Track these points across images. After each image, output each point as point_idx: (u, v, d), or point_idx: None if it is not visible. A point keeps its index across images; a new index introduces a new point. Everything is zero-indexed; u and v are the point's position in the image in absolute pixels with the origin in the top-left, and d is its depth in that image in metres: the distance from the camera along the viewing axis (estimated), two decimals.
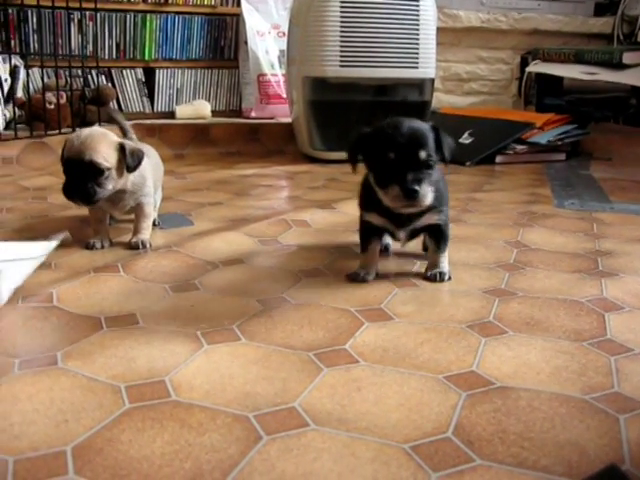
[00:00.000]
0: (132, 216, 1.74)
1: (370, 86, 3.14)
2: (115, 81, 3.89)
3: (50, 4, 3.46)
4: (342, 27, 2.98)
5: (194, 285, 1.40)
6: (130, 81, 3.93)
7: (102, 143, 1.56)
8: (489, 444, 0.83)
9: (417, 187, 1.25)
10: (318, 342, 1.12)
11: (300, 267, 1.53)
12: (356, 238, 1.50)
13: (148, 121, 3.62)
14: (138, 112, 3.88)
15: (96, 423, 0.86)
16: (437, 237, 1.46)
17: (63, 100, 3.39)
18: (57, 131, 3.22)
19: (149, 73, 3.96)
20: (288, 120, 3.53)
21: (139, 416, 0.88)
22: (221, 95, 4.09)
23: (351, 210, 2.09)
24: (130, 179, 1.65)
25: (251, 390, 0.95)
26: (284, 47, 3.72)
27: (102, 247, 1.67)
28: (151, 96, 3.97)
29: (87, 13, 3.75)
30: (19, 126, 3.40)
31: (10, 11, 3.70)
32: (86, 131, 1.61)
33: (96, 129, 1.66)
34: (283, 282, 1.43)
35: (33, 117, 3.34)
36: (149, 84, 3.96)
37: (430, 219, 1.41)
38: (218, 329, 1.16)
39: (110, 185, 1.58)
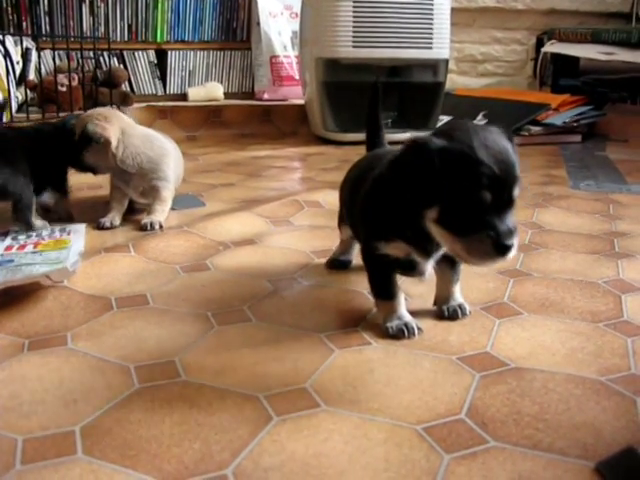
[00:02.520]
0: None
1: (383, 67, 3.11)
2: (127, 63, 3.87)
3: None
4: (355, 7, 2.95)
5: (205, 265, 1.39)
6: (142, 63, 3.91)
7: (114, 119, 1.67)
8: (503, 425, 0.81)
9: (514, 241, 0.92)
10: (330, 323, 1.11)
11: (312, 248, 1.51)
12: None
13: (160, 103, 3.61)
14: (150, 94, 3.87)
15: (105, 403, 0.85)
16: (454, 264, 1.12)
17: (75, 82, 3.38)
18: (69, 113, 3.22)
19: (161, 55, 3.94)
20: (301, 102, 3.51)
21: (148, 396, 0.87)
22: (233, 77, 4.06)
23: None
24: (137, 160, 1.68)
25: (261, 371, 0.94)
26: (297, 28, 3.68)
27: (112, 226, 1.67)
28: (163, 78, 3.95)
29: None
30: (31, 108, 3.40)
31: None
32: (98, 110, 1.70)
33: (107, 109, 1.70)
34: (295, 263, 1.41)
35: (45, 99, 3.33)
36: (161, 66, 3.94)
37: None
38: (228, 310, 1.15)
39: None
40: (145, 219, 1.67)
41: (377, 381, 0.92)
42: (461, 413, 0.84)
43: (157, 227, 1.64)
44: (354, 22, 2.95)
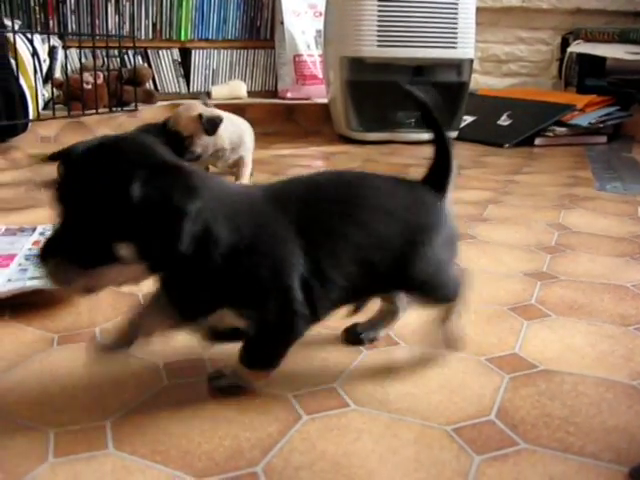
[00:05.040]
0: None
1: (407, 66, 3.10)
2: (151, 61, 3.90)
3: None
4: (380, 6, 2.95)
5: None
6: (166, 61, 3.93)
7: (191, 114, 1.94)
8: (533, 428, 0.81)
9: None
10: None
11: None
12: None
13: (184, 101, 3.62)
14: (174, 93, 3.89)
15: (135, 399, 0.86)
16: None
17: (100, 80, 3.40)
18: (94, 111, 3.24)
19: (185, 53, 3.96)
20: (324, 101, 3.51)
21: (177, 393, 0.88)
22: (257, 75, 4.07)
23: None
24: (232, 138, 2.03)
25: (290, 370, 0.94)
26: (320, 27, 3.69)
27: None
28: (187, 76, 3.97)
29: None
30: (57, 106, 3.43)
31: None
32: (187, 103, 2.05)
33: (192, 102, 2.07)
34: None
35: (70, 97, 3.36)
36: (185, 64, 3.97)
37: None
38: None
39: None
40: (240, 182, 2.02)
41: (405, 381, 0.92)
42: (491, 414, 0.84)
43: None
44: (379, 21, 2.95)
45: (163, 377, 0.92)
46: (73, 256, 0.71)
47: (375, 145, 3.00)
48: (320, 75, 3.81)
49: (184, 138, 1.93)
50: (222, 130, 1.99)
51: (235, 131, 2.07)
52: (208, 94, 3.83)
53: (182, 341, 1.02)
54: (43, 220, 1.65)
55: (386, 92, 3.09)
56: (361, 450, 0.76)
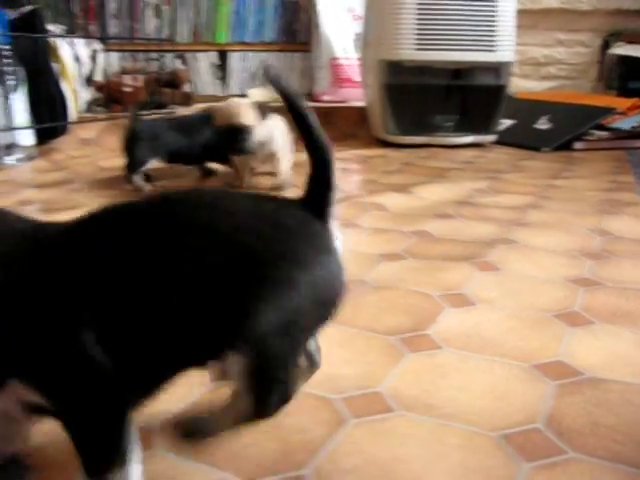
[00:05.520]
0: None
1: (446, 70, 3.09)
2: (189, 64, 3.94)
3: None
4: (419, 9, 2.94)
5: None
6: (204, 64, 3.97)
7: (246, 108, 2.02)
8: (580, 436, 0.81)
9: None
10: (400, 326, 1.11)
11: (378, 250, 1.52)
12: (436, 223, 1.47)
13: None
14: (211, 95, 3.92)
15: (182, 401, 0.87)
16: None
17: (139, 83, 3.45)
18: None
19: (222, 56, 4.00)
20: (361, 104, 3.51)
21: (223, 394, 0.89)
22: (293, 79, 4.09)
23: (428, 194, 2.07)
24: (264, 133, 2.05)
25: (336, 373, 0.95)
26: (358, 30, 3.70)
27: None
28: (224, 79, 4.00)
29: None
30: (97, 108, 3.49)
31: None
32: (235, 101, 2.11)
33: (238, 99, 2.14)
34: (362, 265, 1.42)
35: (110, 99, 3.42)
36: (222, 67, 4.00)
37: None
38: None
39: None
40: (279, 178, 2.12)
41: (450, 386, 0.92)
42: (537, 422, 0.83)
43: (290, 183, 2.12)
44: (418, 24, 2.94)
45: (206, 378, 0.93)
46: None
47: (412, 149, 2.99)
48: (357, 78, 3.82)
49: (248, 129, 2.01)
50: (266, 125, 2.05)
51: (270, 127, 2.09)
52: (244, 97, 3.85)
53: None
54: None
55: (424, 95, 3.10)
56: (407, 455, 0.76)
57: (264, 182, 2.24)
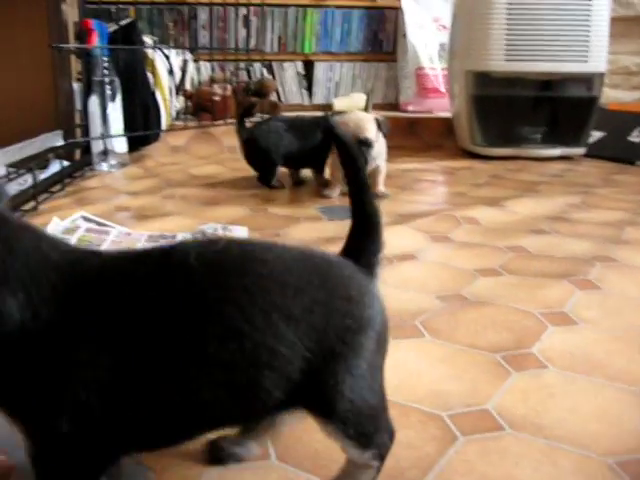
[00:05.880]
0: None
1: (535, 80, 3.04)
2: (276, 74, 3.99)
3: (218, 1, 3.63)
4: (509, 19, 2.90)
5: None
6: (290, 74, 4.02)
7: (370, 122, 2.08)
8: None
9: None
10: (503, 344, 1.10)
11: (473, 265, 1.50)
12: (531, 239, 1.44)
13: (307, 113, 3.69)
14: (297, 104, 3.97)
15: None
16: None
17: (228, 92, 3.52)
18: (222, 122, 3.35)
19: (308, 66, 4.04)
20: (446, 114, 3.49)
21: None
22: (378, 88, 4.10)
23: (520, 209, 2.04)
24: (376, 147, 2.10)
25: (441, 389, 0.95)
26: (444, 40, 3.68)
27: (333, 196, 2.19)
28: (310, 88, 4.04)
29: (252, 8, 3.88)
30: (187, 116, 3.57)
31: (182, 9, 3.88)
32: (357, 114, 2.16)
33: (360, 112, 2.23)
34: (459, 280, 1.41)
35: (200, 108, 3.50)
36: (308, 77, 4.04)
37: None
38: (400, 324, 1.17)
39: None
40: (378, 190, 2.18)
41: (559, 407, 0.91)
42: None
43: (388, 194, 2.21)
44: (507, 34, 2.90)
45: None
46: None
47: (500, 161, 2.95)
48: (442, 88, 3.80)
49: (371, 144, 2.05)
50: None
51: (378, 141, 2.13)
52: (330, 106, 3.89)
53: None
54: (181, 227, 1.73)
55: (512, 106, 3.05)
56: (521, 476, 0.76)
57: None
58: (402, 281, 1.40)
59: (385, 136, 2.14)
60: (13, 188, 2.03)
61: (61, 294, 0.57)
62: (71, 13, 2.74)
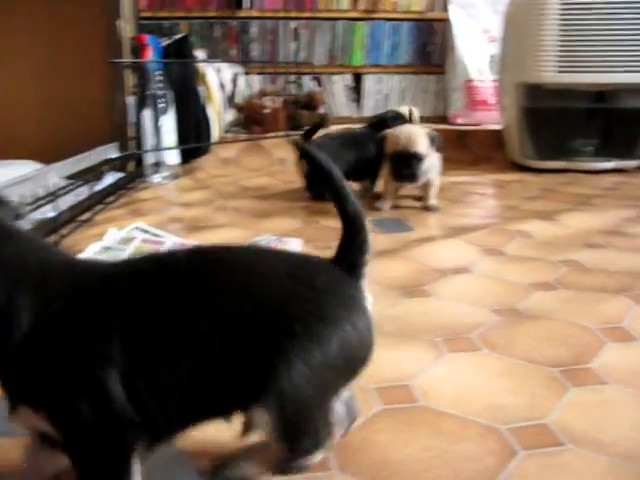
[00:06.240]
0: None
1: (588, 92, 3.00)
2: (325, 86, 4.02)
3: (268, 15, 3.68)
4: (562, 30, 2.87)
5: (425, 291, 1.41)
6: (339, 86, 4.04)
7: (422, 137, 2.07)
8: None
9: None
10: (560, 358, 1.09)
11: (527, 279, 1.49)
12: (585, 253, 1.41)
13: (356, 126, 3.70)
14: (346, 117, 3.98)
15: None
16: None
17: (278, 105, 3.56)
18: (272, 134, 3.39)
19: (357, 78, 4.06)
20: (496, 127, 3.47)
21: (391, 418, 0.90)
22: (427, 101, 4.09)
23: (574, 222, 2.02)
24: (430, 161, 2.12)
25: (498, 402, 0.94)
26: (493, 52, 3.67)
27: (384, 209, 2.19)
28: (358, 101, 4.06)
29: (301, 21, 3.92)
30: (237, 129, 3.62)
31: (232, 23, 3.94)
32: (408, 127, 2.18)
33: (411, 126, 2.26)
34: (514, 293, 1.40)
35: (250, 121, 3.54)
36: (357, 89, 4.06)
37: None
38: (456, 337, 1.16)
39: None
40: (429, 203, 2.19)
41: (620, 424, 0.89)
42: None
43: (439, 207, 2.19)
44: (561, 45, 2.87)
45: (375, 401, 0.94)
46: None
47: (551, 174, 2.92)
48: (492, 100, 3.77)
49: (421, 158, 2.07)
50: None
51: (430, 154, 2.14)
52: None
53: (389, 366, 1.05)
54: (235, 239, 1.75)
55: (564, 119, 3.02)
56: None
57: (411, 204, 2.29)
58: (456, 294, 1.39)
59: (437, 150, 2.13)
60: (70, 199, 2.08)
61: (71, 291, 0.65)
62: (126, 29, 2.81)
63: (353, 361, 0.71)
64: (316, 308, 0.67)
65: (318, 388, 0.68)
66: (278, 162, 3.23)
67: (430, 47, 4.10)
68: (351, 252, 0.75)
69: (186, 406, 0.67)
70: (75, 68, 2.79)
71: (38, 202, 1.87)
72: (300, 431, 0.70)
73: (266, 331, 0.66)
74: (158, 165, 2.85)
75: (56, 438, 0.64)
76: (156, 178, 2.82)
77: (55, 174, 2.06)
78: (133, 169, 2.80)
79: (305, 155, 0.76)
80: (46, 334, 0.62)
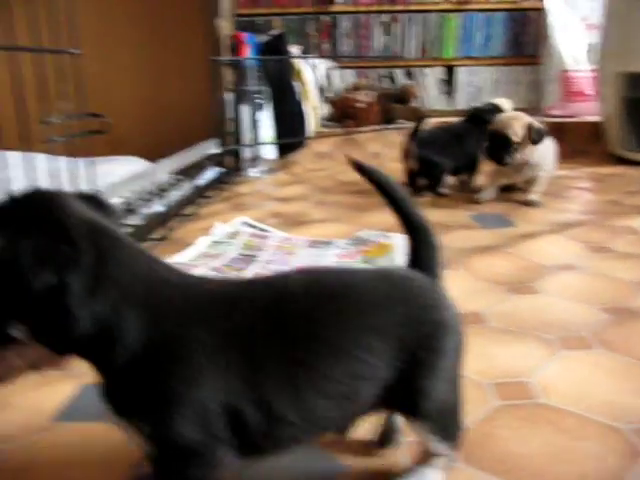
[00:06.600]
0: None
1: None
2: (417, 79, 4.01)
3: (359, 10, 3.69)
4: None
5: (532, 288, 1.40)
6: (431, 79, 4.02)
7: (518, 123, 2.10)
8: None
9: None
10: None
11: (638, 277, 1.46)
12: None
13: (447, 119, 3.68)
14: (437, 110, 3.97)
15: (471, 416, 0.90)
16: None
17: (371, 99, 3.58)
18: (365, 128, 3.41)
19: (449, 71, 4.03)
20: (594, 118, 3.39)
21: (510, 414, 0.91)
22: (520, 92, 4.03)
23: None
24: (538, 153, 2.15)
25: (618, 401, 0.94)
26: (591, 41, 3.57)
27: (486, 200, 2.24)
28: (450, 93, 4.04)
29: (393, 15, 3.92)
30: (331, 123, 3.66)
31: (324, 19, 3.97)
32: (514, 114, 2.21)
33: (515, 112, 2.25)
34: (625, 291, 1.38)
35: (343, 115, 3.57)
36: (449, 82, 4.04)
37: None
38: (568, 335, 1.16)
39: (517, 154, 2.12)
40: (530, 197, 2.18)
41: None
42: None
43: (540, 203, 2.17)
44: None
45: (492, 397, 0.96)
46: None
47: None
48: (589, 91, 3.68)
49: (511, 142, 2.09)
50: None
51: (541, 149, 2.16)
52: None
53: (501, 362, 1.06)
54: (337, 234, 1.78)
55: None
56: None
57: (512, 198, 2.29)
58: (564, 291, 1.38)
59: (534, 143, 2.12)
60: (176, 194, 2.17)
61: (180, 309, 0.64)
62: (225, 27, 2.88)
63: (461, 350, 0.73)
64: (432, 328, 0.70)
65: (450, 390, 0.72)
66: (372, 156, 3.25)
67: (524, 37, 4.04)
68: (428, 259, 0.76)
69: (303, 430, 0.67)
70: (175, 66, 2.88)
71: (149, 197, 1.95)
72: (453, 428, 0.74)
73: (397, 363, 0.68)
74: (255, 159, 2.93)
75: (147, 450, 0.64)
76: (253, 172, 2.89)
77: (163, 170, 2.15)
78: (231, 164, 2.87)
79: (361, 171, 0.77)
80: (158, 353, 0.62)
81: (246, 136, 2.86)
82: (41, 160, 1.36)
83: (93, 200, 0.66)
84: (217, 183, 2.58)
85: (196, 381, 0.62)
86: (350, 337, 0.66)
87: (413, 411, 0.70)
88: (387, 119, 3.55)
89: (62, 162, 1.39)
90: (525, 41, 4.04)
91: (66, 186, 1.35)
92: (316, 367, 0.65)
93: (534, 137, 2.10)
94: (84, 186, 1.41)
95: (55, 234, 0.58)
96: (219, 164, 2.74)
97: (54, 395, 0.99)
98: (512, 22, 4.02)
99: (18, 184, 1.15)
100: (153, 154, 2.42)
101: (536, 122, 2.14)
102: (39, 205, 0.61)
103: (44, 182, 1.29)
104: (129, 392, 0.63)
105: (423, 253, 0.76)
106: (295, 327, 0.65)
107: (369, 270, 0.75)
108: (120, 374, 0.62)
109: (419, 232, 0.76)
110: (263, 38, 3.06)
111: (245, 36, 2.90)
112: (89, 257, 0.59)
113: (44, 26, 1.38)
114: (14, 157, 1.34)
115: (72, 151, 1.41)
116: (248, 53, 2.88)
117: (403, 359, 0.68)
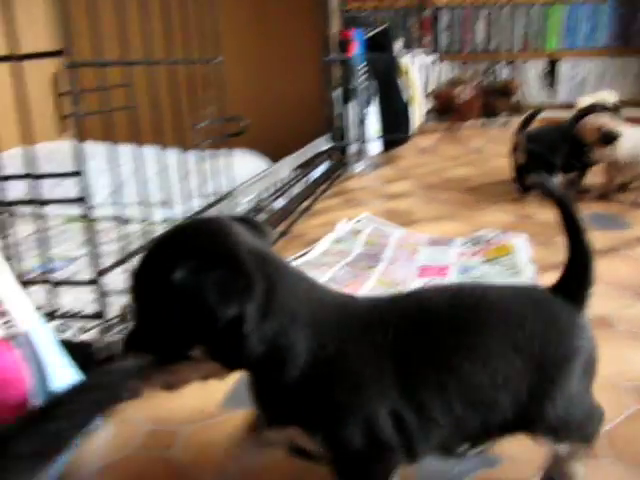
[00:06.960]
0: None
1: None
2: (519, 72, 3.99)
3: (461, 2, 3.70)
4: None
5: None
6: (533, 72, 4.00)
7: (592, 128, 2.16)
8: None
9: None
10: None
11: None
12: None
13: (550, 114, 3.65)
14: (539, 103, 3.93)
15: (615, 417, 0.95)
16: None
17: (473, 93, 3.59)
18: (467, 123, 3.44)
19: (552, 64, 3.99)
20: None
21: None
22: (626, 85, 3.95)
23: None
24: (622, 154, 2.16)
25: None
26: None
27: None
28: (552, 86, 4.00)
29: (494, 7, 3.91)
30: (433, 117, 3.70)
31: (424, 13, 4.00)
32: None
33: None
34: None
35: (445, 109, 3.60)
36: (551, 74, 4.00)
37: None
38: None
39: None
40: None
41: None
42: None
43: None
44: None
45: (629, 400, 1.00)
46: (151, 352, 0.70)
47: None
48: None
49: (584, 144, 2.18)
50: (618, 145, 2.15)
51: (634, 147, 2.17)
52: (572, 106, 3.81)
53: (638, 367, 1.09)
54: (455, 232, 1.83)
55: None
56: None
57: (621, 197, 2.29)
58: None
59: (602, 145, 2.16)
60: (294, 190, 2.26)
61: (339, 327, 0.71)
62: (334, 24, 2.94)
63: (593, 373, 0.77)
64: (565, 350, 0.74)
65: (576, 406, 0.75)
66: (475, 151, 3.27)
67: (633, 27, 3.95)
68: (580, 287, 0.78)
69: (450, 439, 0.74)
70: (287, 63, 2.97)
71: (275, 194, 2.06)
72: (574, 437, 0.77)
73: (530, 379, 0.73)
74: (360, 154, 3.00)
75: (322, 455, 0.72)
76: (358, 167, 2.96)
77: (286, 167, 2.24)
78: (338, 159, 2.95)
79: (548, 195, 0.78)
80: (324, 368, 0.69)
81: (353, 131, 2.93)
82: (172, 153, 1.54)
83: (248, 223, 0.73)
84: (327, 178, 2.66)
85: (361, 391, 0.69)
86: (493, 348, 0.72)
87: (539, 425, 0.74)
88: (488, 113, 3.56)
89: (190, 155, 1.57)
90: (634, 31, 3.95)
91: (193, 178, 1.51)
92: (461, 374, 0.71)
93: (602, 139, 2.15)
94: (210, 177, 1.54)
95: (232, 267, 0.65)
96: (329, 159, 2.83)
97: (221, 385, 1.09)
98: (620, 12, 3.93)
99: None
100: (264, 148, 2.55)
101: (610, 124, 2.18)
102: (210, 235, 0.68)
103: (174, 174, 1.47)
104: (302, 407, 0.70)
105: (576, 283, 0.78)
106: (443, 338, 0.72)
107: (512, 286, 0.82)
108: (287, 388, 0.69)
109: (581, 265, 0.78)
110: (369, 33, 3.12)
111: (353, 33, 2.96)
112: (261, 287, 0.66)
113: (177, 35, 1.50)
114: (148, 152, 1.44)
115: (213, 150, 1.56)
116: (356, 50, 2.94)
117: (535, 375, 0.72)
